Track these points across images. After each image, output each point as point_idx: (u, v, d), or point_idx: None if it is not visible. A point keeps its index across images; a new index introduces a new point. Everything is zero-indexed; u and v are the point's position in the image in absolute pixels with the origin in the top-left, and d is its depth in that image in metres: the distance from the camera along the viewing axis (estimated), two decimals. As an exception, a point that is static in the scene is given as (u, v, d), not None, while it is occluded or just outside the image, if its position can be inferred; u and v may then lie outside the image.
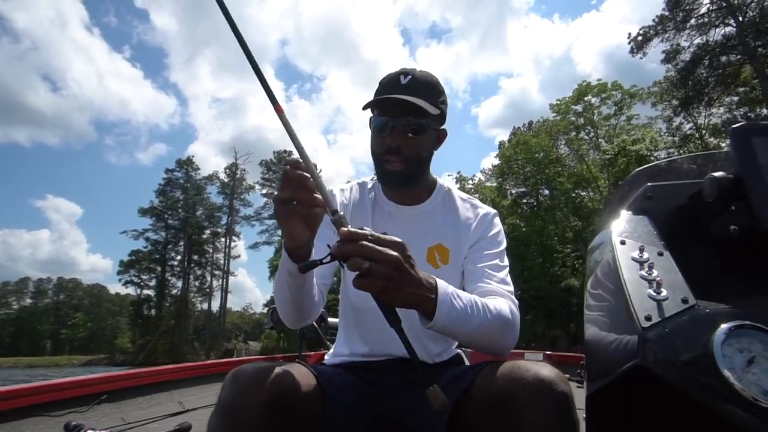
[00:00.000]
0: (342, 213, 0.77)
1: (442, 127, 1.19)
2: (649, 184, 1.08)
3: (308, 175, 0.78)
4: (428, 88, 1.12)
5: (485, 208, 1.26)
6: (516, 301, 1.05)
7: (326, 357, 1.28)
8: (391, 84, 1.12)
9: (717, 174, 0.90)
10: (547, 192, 31.08)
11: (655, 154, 24.52)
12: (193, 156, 51.41)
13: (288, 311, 1.00)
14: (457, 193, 1.28)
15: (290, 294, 0.95)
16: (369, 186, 1.28)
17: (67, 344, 68.75)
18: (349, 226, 0.75)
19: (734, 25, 21.08)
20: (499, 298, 1.02)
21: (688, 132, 24.98)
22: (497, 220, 1.25)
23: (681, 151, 23.96)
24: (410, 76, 1.10)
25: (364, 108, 1.12)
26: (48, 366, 47.87)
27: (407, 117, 1.08)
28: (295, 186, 0.79)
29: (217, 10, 0.80)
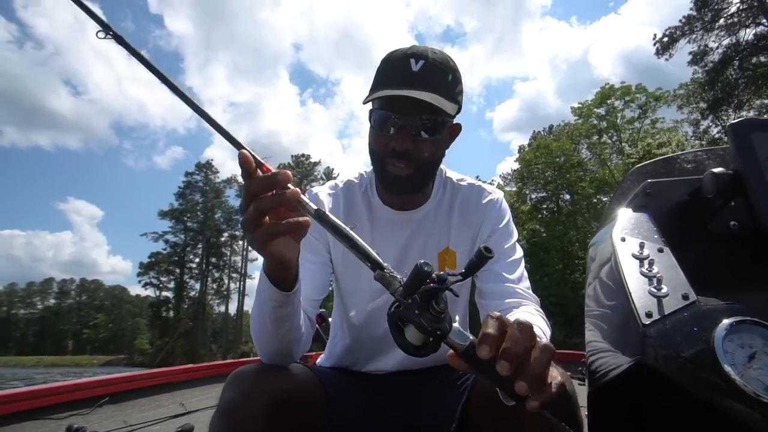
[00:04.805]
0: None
1: (456, 120, 1.03)
2: (649, 180, 1.07)
3: (287, 174, 0.60)
4: (444, 76, 0.94)
5: (491, 194, 1.13)
6: (537, 299, 1.01)
7: (319, 360, 1.21)
8: (399, 70, 0.93)
9: (716, 170, 0.90)
10: (568, 197, 30.57)
11: (682, 158, 23.83)
12: (212, 159, 51.84)
13: (270, 350, 0.83)
14: (458, 180, 1.14)
15: (273, 331, 0.78)
16: (359, 187, 1.12)
17: (89, 344, 70.40)
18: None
19: (766, 24, 20.42)
20: (531, 308, 0.96)
21: (716, 136, 24.23)
22: (505, 204, 1.14)
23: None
24: (422, 61, 0.92)
25: (365, 102, 0.95)
26: (69, 365, 48.87)
27: (419, 115, 0.92)
28: (266, 194, 0.60)
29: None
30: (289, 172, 0.60)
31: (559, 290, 25.46)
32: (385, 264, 0.58)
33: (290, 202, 0.60)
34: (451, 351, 0.54)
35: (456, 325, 0.54)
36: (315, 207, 0.61)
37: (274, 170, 0.61)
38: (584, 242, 27.54)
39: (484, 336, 0.51)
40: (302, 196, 0.61)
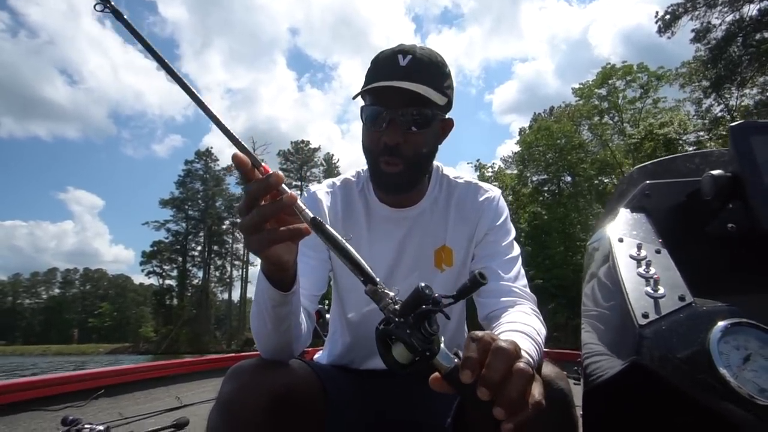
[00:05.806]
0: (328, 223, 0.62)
1: (448, 116, 1.04)
2: (648, 182, 1.07)
3: (279, 176, 0.59)
4: (433, 70, 0.96)
5: (489, 192, 1.13)
6: (534, 297, 1.01)
7: (316, 356, 1.23)
8: (387, 66, 0.95)
9: (715, 172, 0.91)
10: (569, 179, 30.44)
11: (684, 138, 23.63)
12: (211, 147, 51.54)
13: (270, 347, 0.84)
14: (455, 177, 1.15)
15: (273, 328, 0.79)
16: (356, 185, 1.14)
17: (94, 333, 71.14)
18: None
19: (770, -1, 19.99)
20: (526, 307, 0.96)
21: (719, 114, 23.97)
22: (502, 202, 1.14)
23: (711, 135, 23.03)
24: (410, 56, 0.94)
25: (354, 97, 0.96)
26: (75, 354, 49.43)
27: (408, 107, 0.93)
28: (265, 200, 0.61)
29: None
30: (282, 174, 0.60)
31: (560, 272, 25.48)
32: (378, 279, 0.57)
33: (289, 208, 0.59)
34: (435, 374, 0.53)
35: (443, 347, 0.54)
36: (311, 215, 0.60)
37: (271, 170, 0.60)
38: (586, 224, 27.55)
39: (466, 360, 0.51)
40: (299, 201, 0.60)
